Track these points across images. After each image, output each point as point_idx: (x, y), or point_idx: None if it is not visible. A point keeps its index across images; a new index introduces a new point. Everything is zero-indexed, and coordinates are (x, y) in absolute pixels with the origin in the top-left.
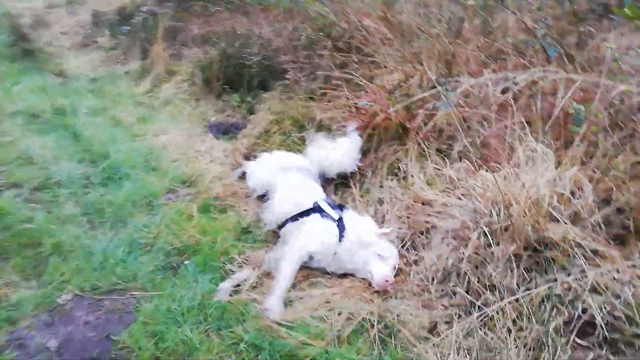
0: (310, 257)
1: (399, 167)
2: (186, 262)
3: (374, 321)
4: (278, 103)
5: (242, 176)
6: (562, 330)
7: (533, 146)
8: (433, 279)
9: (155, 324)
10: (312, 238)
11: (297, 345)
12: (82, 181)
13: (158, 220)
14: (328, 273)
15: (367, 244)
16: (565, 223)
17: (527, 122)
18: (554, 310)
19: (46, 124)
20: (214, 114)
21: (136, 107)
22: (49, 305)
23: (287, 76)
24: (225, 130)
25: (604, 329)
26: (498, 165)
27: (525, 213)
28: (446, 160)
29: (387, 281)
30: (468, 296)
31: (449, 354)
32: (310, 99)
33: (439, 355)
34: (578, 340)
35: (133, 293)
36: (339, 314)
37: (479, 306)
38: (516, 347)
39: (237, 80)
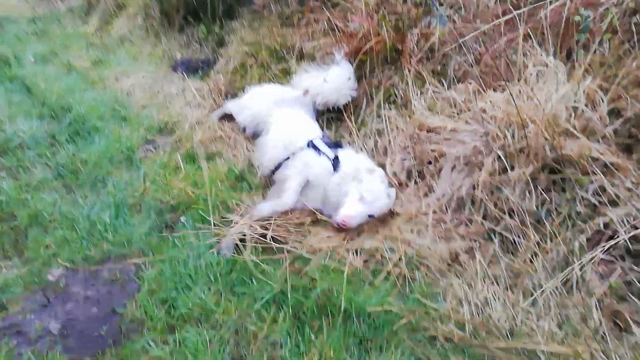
0: (307, 183)
1: (395, 93)
2: (182, 219)
3: (394, 258)
4: (250, 32)
5: (223, 118)
6: (585, 247)
7: (543, 60)
8: (447, 209)
9: (163, 291)
10: (309, 163)
11: (321, 294)
12: (47, 140)
13: (141, 176)
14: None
15: (358, 180)
16: (580, 138)
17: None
18: (576, 229)
19: None
20: (179, 51)
21: (88, 49)
22: (40, 284)
23: (255, 0)
24: (195, 68)
25: (627, 241)
26: (507, 84)
27: (542, 132)
28: (443, 82)
29: (343, 222)
30: (487, 223)
31: (475, 284)
32: (284, 25)
33: (465, 286)
34: (602, 256)
35: (132, 260)
36: (357, 252)
37: (499, 232)
38: (544, 269)
39: (200, 9)
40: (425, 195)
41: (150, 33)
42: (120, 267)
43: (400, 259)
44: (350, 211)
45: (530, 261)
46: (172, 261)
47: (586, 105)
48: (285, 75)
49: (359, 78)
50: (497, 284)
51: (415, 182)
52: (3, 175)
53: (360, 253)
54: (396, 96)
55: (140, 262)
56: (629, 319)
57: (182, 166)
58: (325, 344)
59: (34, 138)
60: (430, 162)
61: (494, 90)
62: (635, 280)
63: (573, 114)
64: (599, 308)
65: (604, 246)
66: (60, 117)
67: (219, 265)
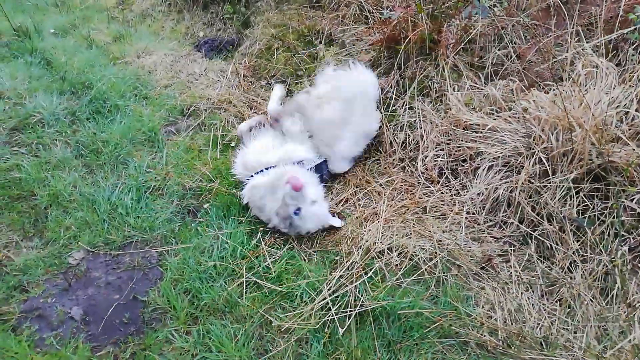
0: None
1: (430, 86)
2: (205, 206)
3: (425, 259)
4: (277, 14)
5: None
6: (628, 258)
7: (593, 60)
8: (482, 210)
9: (186, 281)
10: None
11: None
12: (68, 117)
13: (163, 159)
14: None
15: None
16: (629, 145)
17: (576, 32)
18: (619, 238)
19: (8, 48)
20: (203, 29)
21: (109, 23)
22: (61, 266)
23: None
24: (219, 49)
25: None
26: (551, 83)
27: (589, 137)
28: (480, 76)
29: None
30: (523, 227)
31: (509, 289)
32: (313, 8)
33: (498, 291)
34: None
35: (154, 246)
36: (391, 249)
37: (536, 237)
38: (583, 278)
39: None
40: (458, 193)
41: (173, 9)
42: (143, 253)
43: (433, 262)
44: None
45: (569, 269)
46: (195, 250)
47: (637, 111)
48: (312, 61)
49: (390, 68)
50: (532, 291)
51: (448, 180)
52: (23, 152)
53: (393, 251)
54: (430, 89)
55: (163, 250)
56: None
57: (204, 150)
58: (353, 345)
59: (54, 114)
60: (465, 161)
61: (538, 89)
62: None
63: (623, 119)
64: None
65: None
66: (80, 93)
67: (244, 257)
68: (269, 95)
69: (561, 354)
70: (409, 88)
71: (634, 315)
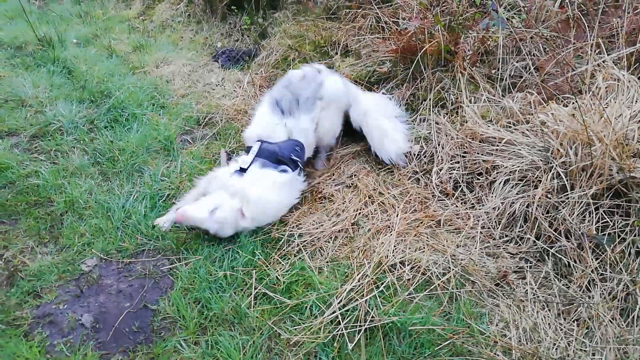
0: None
1: (446, 97)
2: None
3: (439, 273)
4: (294, 25)
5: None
6: None
7: (614, 73)
8: (497, 224)
9: (196, 290)
10: None
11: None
12: (86, 125)
13: (178, 167)
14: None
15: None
16: None
17: (597, 44)
18: None
19: (32, 57)
20: (221, 40)
21: (130, 33)
22: (74, 273)
23: None
24: (236, 59)
25: None
26: (574, 98)
27: (610, 152)
28: (498, 88)
29: (180, 216)
30: (540, 243)
31: (525, 307)
32: (330, 19)
33: (513, 308)
34: None
35: (166, 255)
36: (403, 263)
37: (553, 254)
38: (602, 297)
39: None
40: (474, 207)
41: (192, 20)
42: (154, 262)
43: (447, 277)
44: (192, 212)
45: (587, 288)
46: (206, 260)
47: None
48: None
49: (406, 79)
50: (549, 309)
51: (463, 193)
52: (42, 159)
53: (405, 265)
54: (446, 101)
55: (175, 259)
56: None
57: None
58: None
59: (73, 122)
60: (481, 174)
61: (557, 102)
62: None
63: None
64: None
65: None
66: (99, 102)
67: (255, 267)
68: None
69: None
70: (424, 100)
71: None
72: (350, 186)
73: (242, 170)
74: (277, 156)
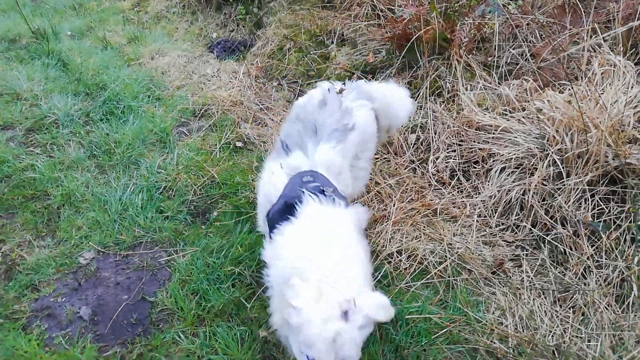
0: None
1: (442, 86)
2: (216, 210)
3: (435, 262)
4: (289, 14)
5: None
6: None
7: (610, 58)
8: (493, 212)
9: (194, 282)
10: None
11: None
12: (82, 118)
13: (174, 160)
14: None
15: None
16: None
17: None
18: (636, 243)
19: (27, 50)
20: (216, 30)
21: (125, 24)
22: (71, 266)
23: None
24: (231, 49)
25: None
26: (570, 84)
27: (606, 138)
28: (494, 75)
29: None
30: (536, 230)
31: (521, 294)
32: (325, 8)
33: (509, 296)
34: None
35: (163, 247)
36: (400, 252)
37: (549, 241)
38: (598, 285)
39: None
40: (470, 196)
41: (187, 11)
42: (152, 254)
43: (443, 266)
44: None
45: (583, 275)
46: (204, 252)
47: None
48: (324, 61)
49: (402, 68)
50: (545, 297)
51: (460, 182)
52: (38, 152)
53: (402, 254)
54: (442, 89)
55: (171, 250)
56: None
57: (214, 153)
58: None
59: (68, 115)
60: (477, 162)
61: (553, 88)
62: None
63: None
64: None
65: None
66: (95, 94)
67: (252, 260)
68: (281, 96)
69: None
70: (420, 88)
71: None
72: None
73: None
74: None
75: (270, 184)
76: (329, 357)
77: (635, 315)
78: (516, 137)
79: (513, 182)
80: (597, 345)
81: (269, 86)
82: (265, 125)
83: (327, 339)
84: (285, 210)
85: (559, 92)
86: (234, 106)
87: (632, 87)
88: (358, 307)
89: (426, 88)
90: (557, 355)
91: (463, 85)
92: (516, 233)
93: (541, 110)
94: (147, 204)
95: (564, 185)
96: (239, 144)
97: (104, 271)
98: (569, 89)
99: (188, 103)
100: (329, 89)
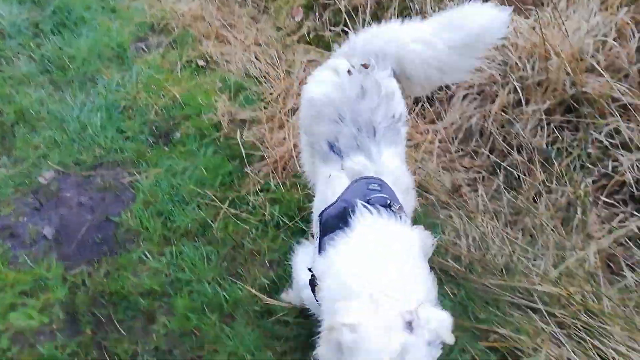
0: None
1: (410, 7)
2: (179, 131)
3: None
4: None
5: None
6: (591, 190)
7: None
8: (454, 139)
9: (159, 203)
10: None
11: None
12: (30, 29)
13: (133, 78)
14: None
15: None
16: (603, 76)
17: None
18: (584, 170)
19: None
20: None
21: None
22: (31, 186)
23: None
24: None
25: (633, 186)
26: (531, 8)
27: (565, 66)
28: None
29: None
30: (493, 157)
31: (475, 217)
32: None
33: (464, 219)
34: (606, 200)
35: (125, 168)
36: None
37: (505, 167)
38: (546, 209)
39: None
40: (433, 122)
41: None
42: (114, 174)
43: None
44: None
45: (534, 200)
46: (167, 173)
47: (615, 40)
48: None
49: None
50: (497, 220)
51: (423, 109)
52: None
53: None
54: (411, 10)
55: (135, 172)
56: (622, 263)
57: (175, 71)
58: None
59: (15, 25)
60: (441, 88)
61: (519, 14)
62: (635, 227)
63: (600, 49)
64: (596, 251)
65: (610, 191)
66: (42, 3)
67: (220, 181)
68: (245, 12)
69: (520, 280)
70: (388, 8)
71: (590, 244)
72: None
73: None
74: None
75: (329, 189)
76: None
77: (578, 237)
78: (480, 64)
79: (475, 109)
80: (541, 264)
81: (231, 1)
82: (229, 44)
83: (393, 352)
84: (342, 216)
85: (525, 18)
86: (195, 21)
87: (594, 14)
88: (423, 320)
89: (394, 9)
90: (505, 273)
91: (432, 8)
92: (474, 159)
93: (506, 36)
94: (106, 123)
95: (523, 113)
96: (201, 62)
97: (66, 191)
98: (534, 15)
99: (145, 16)
100: (348, 70)
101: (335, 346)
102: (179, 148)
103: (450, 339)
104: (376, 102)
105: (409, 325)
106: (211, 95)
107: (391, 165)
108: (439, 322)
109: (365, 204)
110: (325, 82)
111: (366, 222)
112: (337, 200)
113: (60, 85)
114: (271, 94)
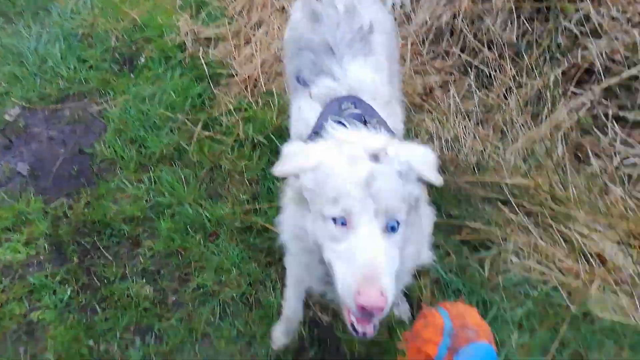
0: None
1: None
2: (142, 56)
3: None
4: None
5: None
6: (560, 81)
7: None
8: (425, 40)
9: (130, 131)
10: None
11: None
12: None
13: (88, 2)
14: None
15: None
16: None
17: None
18: (554, 62)
19: None
20: None
21: None
22: None
23: None
24: None
25: (602, 74)
26: None
27: None
28: None
29: None
30: (464, 56)
31: (448, 119)
32: None
33: (437, 122)
34: (575, 90)
35: (92, 98)
36: None
37: (476, 66)
38: (517, 104)
39: None
40: (403, 24)
41: None
42: (82, 105)
43: None
44: None
45: (505, 96)
46: (135, 99)
47: None
48: None
49: None
50: (469, 119)
51: (393, 8)
52: None
53: None
54: None
55: (102, 101)
56: (589, 151)
57: None
58: None
59: None
60: None
61: None
62: (601, 114)
63: None
64: (563, 141)
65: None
66: None
67: (190, 104)
68: None
69: (490, 176)
70: None
71: (558, 134)
72: None
73: None
74: None
75: (301, 121)
76: (364, 205)
77: (547, 129)
78: None
79: (444, 5)
80: (511, 157)
81: None
82: None
83: (360, 180)
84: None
85: None
86: None
87: None
88: (392, 152)
89: None
90: (476, 171)
91: None
92: (446, 60)
93: None
94: (66, 53)
95: (492, 5)
96: None
97: (34, 127)
98: None
99: None
100: None
101: (298, 197)
102: (145, 73)
103: (434, 178)
104: (335, 20)
105: (376, 157)
106: (172, 14)
107: (363, 78)
108: (412, 155)
109: (338, 120)
110: (293, 22)
111: (339, 134)
112: (311, 133)
113: (11, 17)
114: (234, 8)
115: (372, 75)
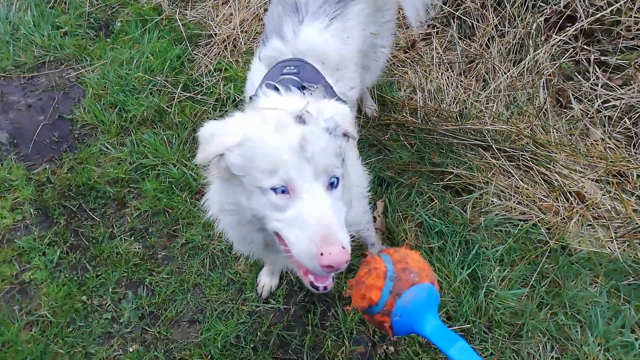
0: None
1: None
2: (118, 20)
3: None
4: None
5: None
6: (542, 28)
7: None
8: None
9: (110, 95)
10: None
11: None
12: None
13: None
14: None
15: None
16: None
17: None
18: (535, 9)
19: None
20: None
21: None
22: None
23: None
24: None
25: (584, 19)
26: None
27: None
28: None
29: None
30: (446, 7)
31: (431, 70)
32: None
33: (420, 74)
34: (557, 37)
35: (69, 64)
36: None
37: (459, 16)
38: (499, 53)
39: None
40: None
41: None
42: (59, 72)
43: None
44: None
45: (487, 45)
46: (113, 64)
47: None
48: None
49: None
50: (452, 70)
51: None
52: None
53: None
54: None
55: (79, 67)
56: (570, 96)
57: None
58: None
59: None
60: None
61: None
62: (583, 59)
63: None
64: (545, 88)
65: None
66: None
67: (169, 66)
68: None
69: (473, 123)
70: None
71: (540, 81)
72: None
73: None
74: None
75: (249, 82)
76: (303, 169)
77: (529, 76)
78: None
79: None
80: (494, 105)
81: None
82: None
83: (293, 145)
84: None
85: None
86: None
87: None
88: (314, 112)
89: None
90: (459, 119)
91: None
92: (428, 12)
93: None
94: (39, 20)
95: None
96: None
97: (11, 95)
98: None
99: None
100: None
101: (225, 174)
102: (121, 37)
103: (352, 132)
104: None
105: (301, 119)
106: None
107: (313, 41)
108: (333, 111)
109: (273, 85)
110: None
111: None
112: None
113: None
114: None
115: (326, 38)
